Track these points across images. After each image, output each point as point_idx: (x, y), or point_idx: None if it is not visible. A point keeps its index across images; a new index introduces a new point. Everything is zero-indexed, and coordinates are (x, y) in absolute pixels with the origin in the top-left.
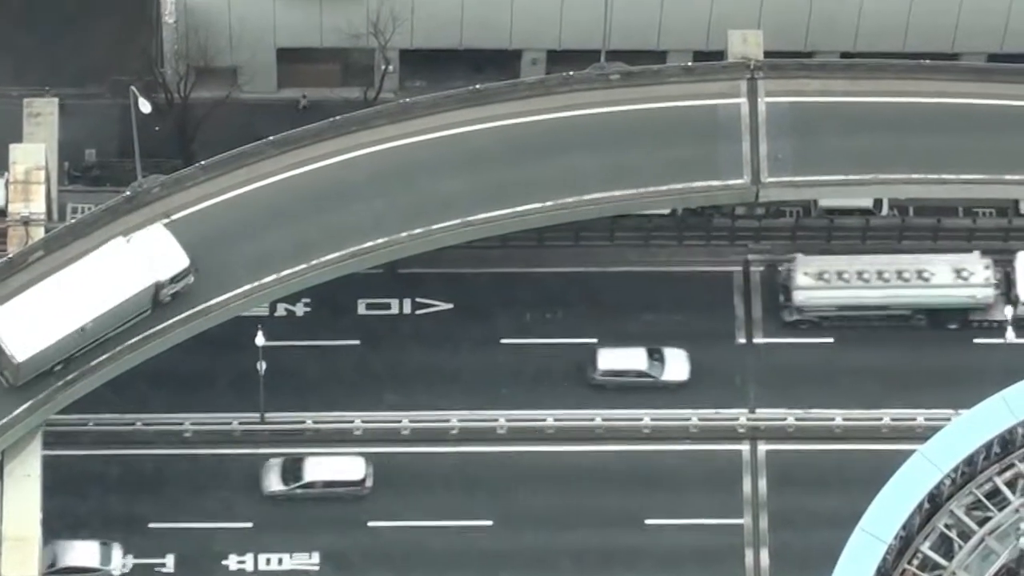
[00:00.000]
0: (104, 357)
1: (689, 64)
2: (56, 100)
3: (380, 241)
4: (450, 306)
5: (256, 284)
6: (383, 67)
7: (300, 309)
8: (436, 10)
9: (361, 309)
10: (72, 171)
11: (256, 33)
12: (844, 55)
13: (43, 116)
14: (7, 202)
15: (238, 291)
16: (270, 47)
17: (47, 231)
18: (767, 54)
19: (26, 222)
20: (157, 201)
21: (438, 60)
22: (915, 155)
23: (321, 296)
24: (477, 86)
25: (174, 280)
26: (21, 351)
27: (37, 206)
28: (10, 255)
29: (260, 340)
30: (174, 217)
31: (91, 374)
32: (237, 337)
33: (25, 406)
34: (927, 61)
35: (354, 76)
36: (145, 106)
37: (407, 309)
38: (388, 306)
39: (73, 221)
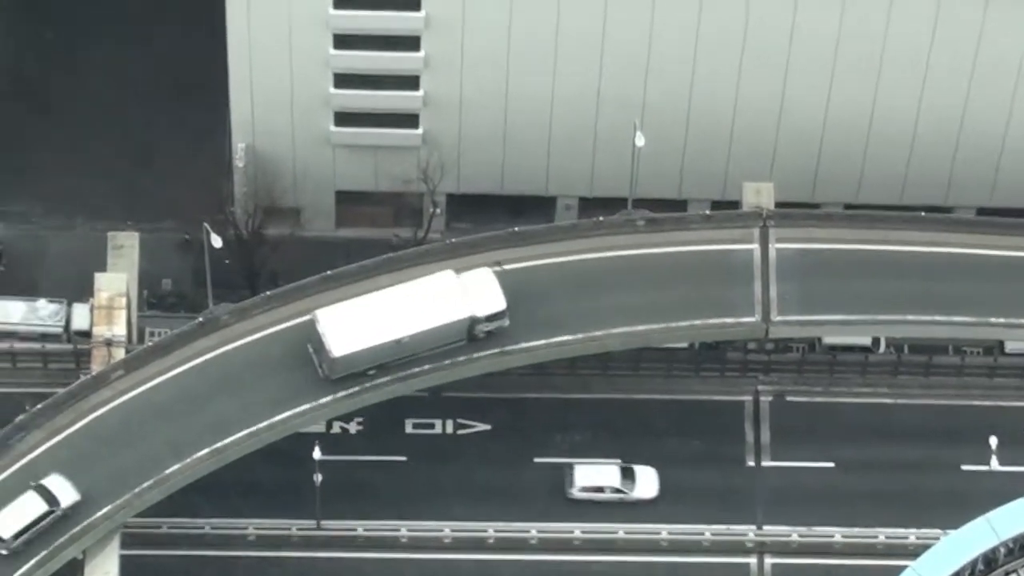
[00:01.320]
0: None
1: (708, 212)
2: (137, 234)
3: (427, 367)
4: (488, 427)
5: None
6: (431, 210)
7: (353, 427)
8: (480, 159)
9: (408, 428)
10: (150, 298)
11: (317, 177)
12: (848, 206)
13: (125, 248)
14: (92, 325)
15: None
16: (330, 190)
17: (127, 352)
18: (778, 204)
19: (108, 343)
20: (227, 327)
21: (481, 204)
22: (910, 298)
23: (373, 416)
24: (516, 228)
25: (490, 319)
26: (338, 347)
27: (119, 329)
28: (94, 373)
29: (317, 454)
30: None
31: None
32: (297, 451)
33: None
34: (923, 213)
35: (405, 217)
36: (216, 241)
37: (449, 429)
38: (432, 426)
39: (151, 344)
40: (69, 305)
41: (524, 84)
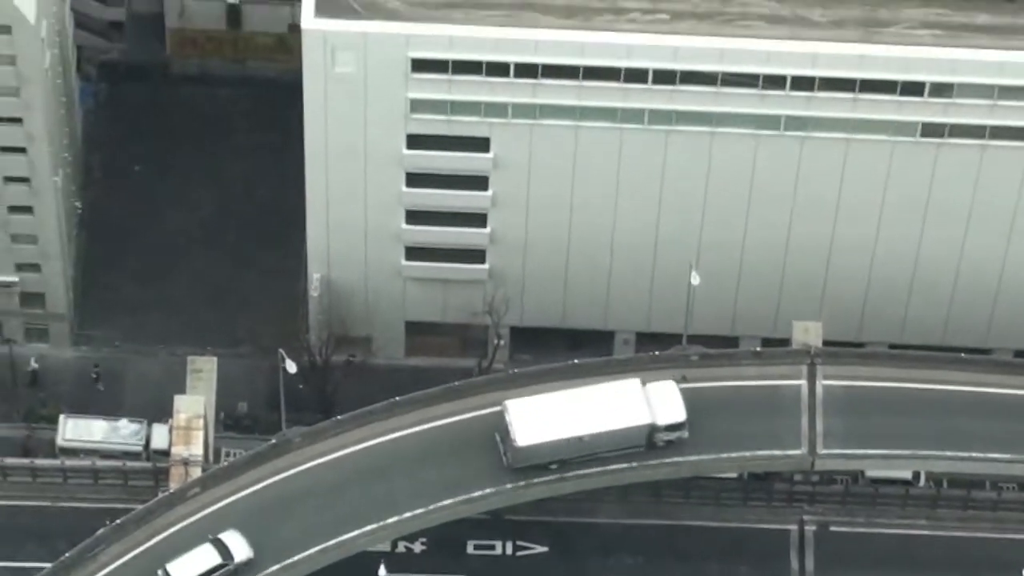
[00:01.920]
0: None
1: (758, 349)
2: (215, 359)
3: (489, 491)
4: (545, 549)
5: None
6: (496, 341)
7: (418, 547)
8: (542, 294)
9: (470, 549)
10: (226, 420)
11: (388, 308)
12: (892, 346)
13: (204, 372)
14: (170, 444)
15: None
16: (399, 321)
17: (203, 471)
18: (825, 343)
19: (186, 462)
20: (299, 449)
21: (543, 336)
22: (949, 435)
23: (436, 536)
24: (575, 361)
25: (670, 428)
26: (523, 438)
27: (196, 449)
28: (171, 490)
29: (382, 572)
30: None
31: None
32: (363, 570)
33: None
34: (963, 354)
35: (470, 347)
36: (291, 367)
37: (509, 550)
38: (493, 547)
39: (226, 463)
40: (149, 425)
41: (586, 224)
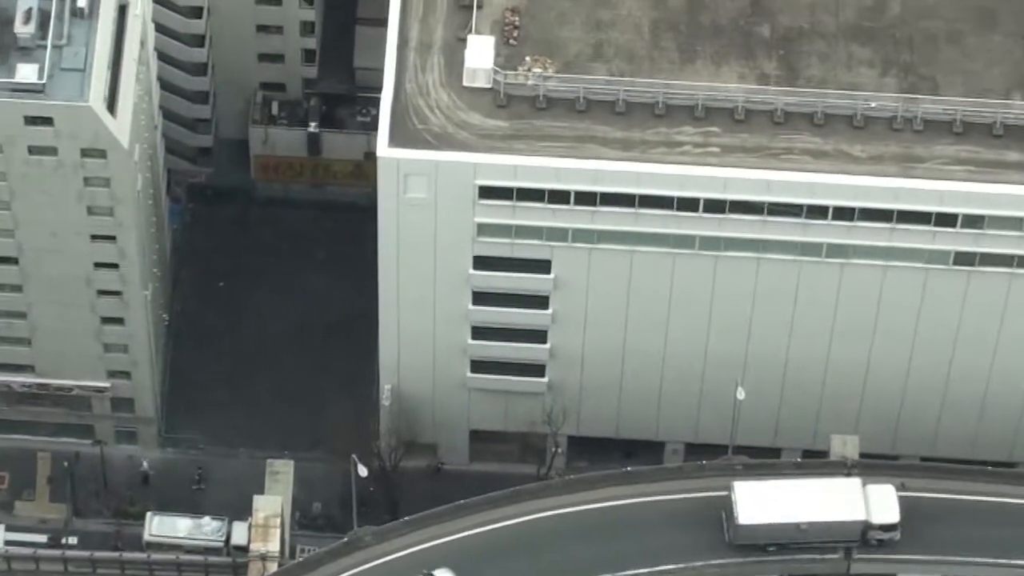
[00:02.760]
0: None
1: (799, 460)
2: (292, 462)
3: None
4: None
5: None
6: (554, 449)
7: None
8: (598, 406)
9: None
10: (301, 519)
11: (453, 417)
12: (924, 459)
13: (281, 474)
14: (249, 541)
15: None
16: (464, 429)
17: (280, 566)
18: (862, 455)
19: (263, 558)
20: (369, 547)
21: (598, 445)
22: (976, 542)
23: None
24: (628, 469)
25: (883, 528)
26: (745, 517)
27: (273, 546)
28: None
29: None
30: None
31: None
32: None
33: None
34: (990, 467)
35: (530, 454)
36: (363, 471)
37: None
38: None
39: (301, 559)
40: (230, 523)
41: (639, 341)
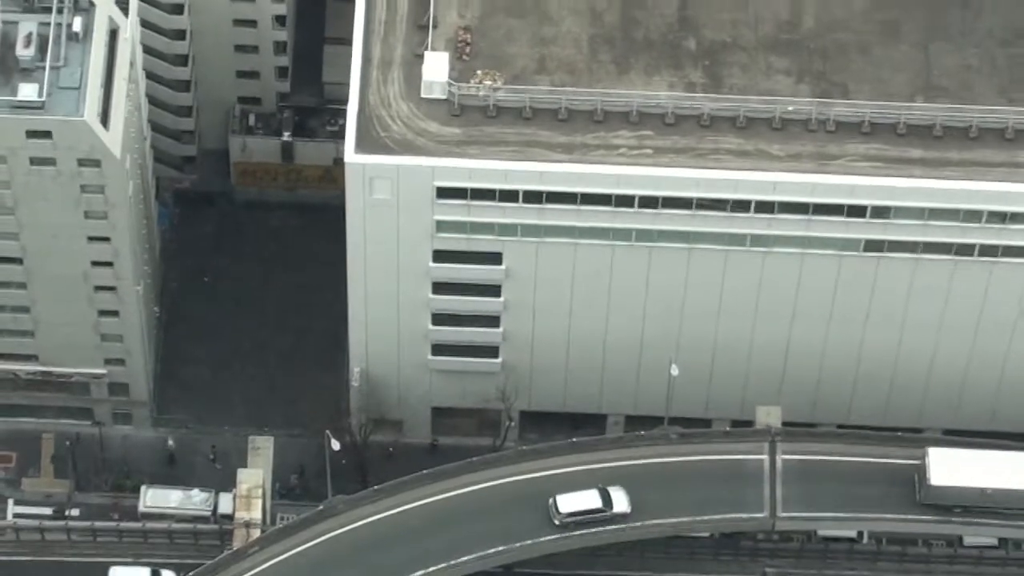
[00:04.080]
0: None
1: (728, 429)
2: (272, 438)
3: (500, 548)
4: None
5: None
6: (507, 423)
7: None
8: (547, 383)
9: None
10: (280, 489)
11: (417, 396)
12: (840, 426)
13: (262, 449)
14: (234, 510)
15: None
16: (427, 406)
17: (262, 532)
18: (784, 424)
19: (247, 525)
20: (343, 514)
21: (547, 419)
22: (887, 500)
23: None
24: (574, 439)
25: None
26: (936, 477)
27: (256, 514)
28: (235, 548)
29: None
30: None
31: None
32: None
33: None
34: (899, 433)
35: (486, 428)
36: (336, 445)
37: None
38: None
39: (281, 526)
40: (216, 494)
41: (583, 324)
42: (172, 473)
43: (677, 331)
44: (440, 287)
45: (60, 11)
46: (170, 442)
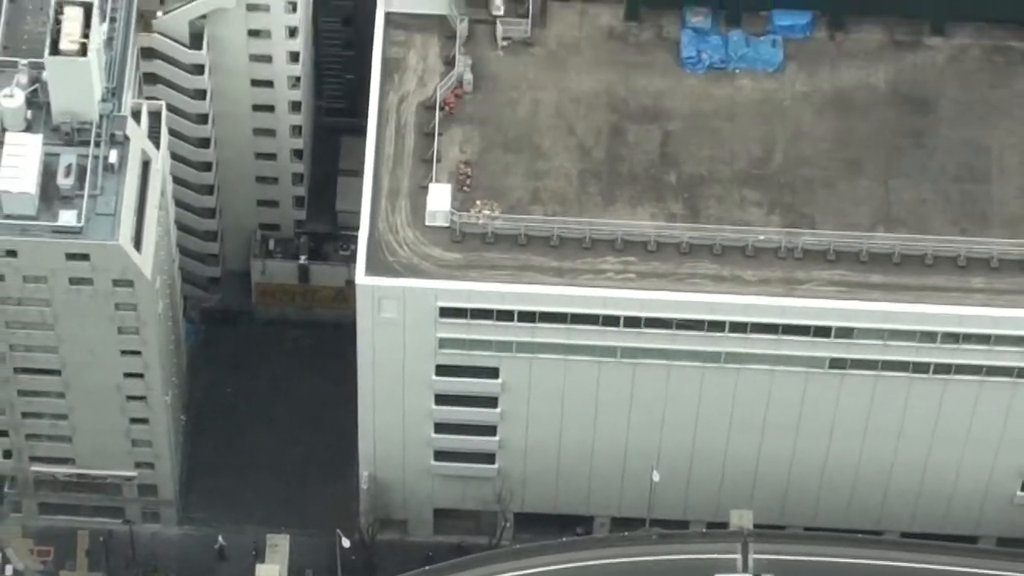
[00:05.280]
0: None
1: (704, 531)
2: (288, 536)
3: None
4: None
5: None
6: (503, 523)
7: None
8: (538, 487)
9: None
10: None
11: (420, 498)
12: (807, 528)
13: (279, 547)
14: None
15: None
16: (429, 507)
17: None
18: (756, 526)
19: None
20: None
21: (539, 520)
22: None
23: None
24: (564, 539)
25: None
26: None
27: None
28: None
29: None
30: None
31: None
32: None
33: None
34: (859, 535)
35: (484, 528)
36: (346, 543)
37: None
38: None
39: None
40: None
41: (573, 434)
42: (223, 568)
43: (658, 440)
44: (442, 399)
45: (97, 144)
46: (220, 539)
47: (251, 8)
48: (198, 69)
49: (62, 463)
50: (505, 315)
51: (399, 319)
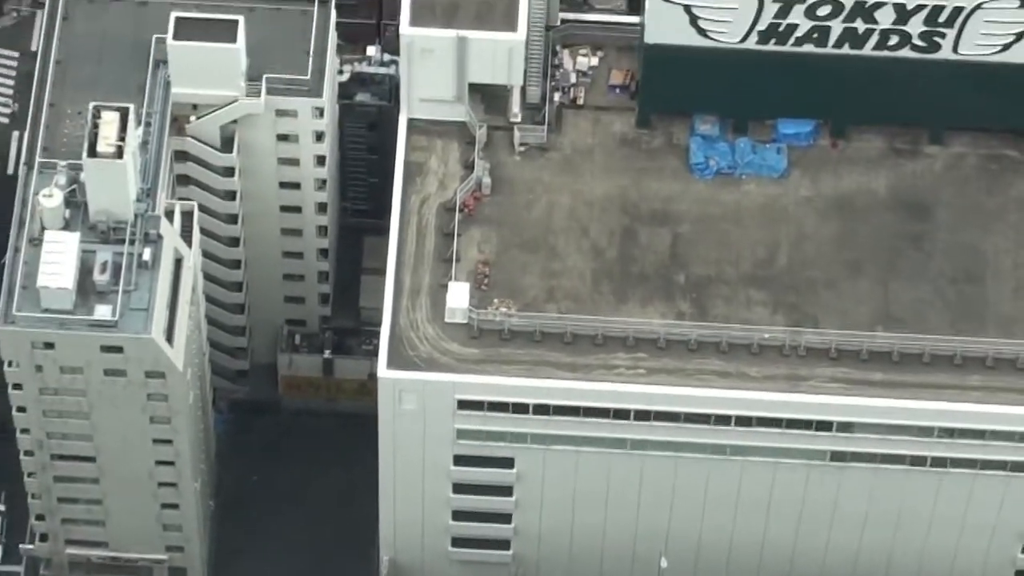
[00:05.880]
0: None
1: None
2: None
3: None
4: None
5: None
6: None
7: None
8: (552, 573)
9: None
10: None
11: None
12: None
13: None
14: None
15: None
16: None
17: None
18: None
19: None
20: None
21: None
22: None
23: None
24: None
25: None
26: None
27: None
28: None
29: None
30: None
31: None
32: None
33: None
34: None
35: None
36: None
37: None
38: None
39: None
40: None
41: (584, 521)
42: None
43: (666, 527)
44: (459, 487)
45: (132, 242)
46: None
47: (280, 113)
48: (229, 171)
49: (96, 546)
50: (520, 408)
51: (419, 411)
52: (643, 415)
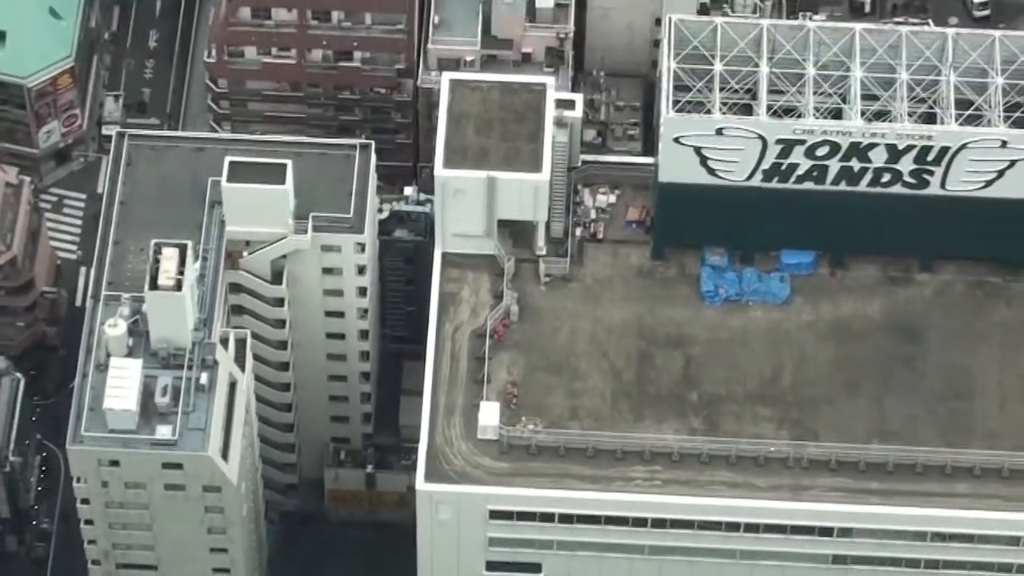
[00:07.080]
0: None
1: None
2: None
3: None
4: None
5: None
6: None
7: None
8: None
9: None
10: None
11: None
12: None
13: None
14: None
15: None
16: None
17: None
18: None
19: None
20: None
21: None
22: None
23: None
24: None
25: None
26: None
27: None
28: None
29: None
30: None
31: None
32: None
33: None
34: None
35: None
36: None
37: None
38: None
39: None
40: None
41: None
42: None
43: None
44: (493, 565)
45: (190, 368)
46: None
47: (325, 249)
48: (278, 302)
49: None
50: (547, 517)
51: (454, 520)
52: (660, 523)
